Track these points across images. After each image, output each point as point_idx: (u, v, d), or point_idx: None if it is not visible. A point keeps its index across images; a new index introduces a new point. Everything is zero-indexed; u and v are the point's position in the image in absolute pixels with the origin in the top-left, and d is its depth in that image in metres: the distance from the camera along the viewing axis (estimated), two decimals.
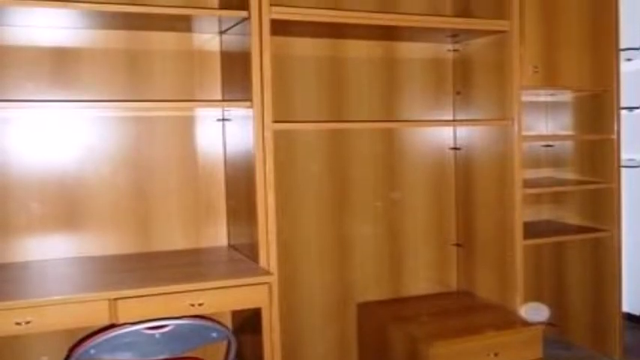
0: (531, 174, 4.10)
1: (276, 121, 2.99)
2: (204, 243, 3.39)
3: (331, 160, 3.66)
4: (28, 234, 3.10)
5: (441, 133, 3.92)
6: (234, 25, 3.08)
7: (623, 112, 3.96)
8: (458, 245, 3.97)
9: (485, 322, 3.40)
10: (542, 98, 4.16)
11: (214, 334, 2.85)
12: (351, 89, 3.67)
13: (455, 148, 3.92)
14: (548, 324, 4.07)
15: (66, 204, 3.16)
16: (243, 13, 2.90)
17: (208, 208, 3.40)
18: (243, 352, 3.11)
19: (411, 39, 3.73)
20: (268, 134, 2.93)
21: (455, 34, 3.60)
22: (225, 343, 3.01)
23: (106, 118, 3.21)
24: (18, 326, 2.42)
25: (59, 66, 3.11)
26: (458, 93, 3.87)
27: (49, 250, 3.14)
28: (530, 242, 3.60)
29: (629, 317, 4.67)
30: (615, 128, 3.81)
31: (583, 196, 4.02)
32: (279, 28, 3.07)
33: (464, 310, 3.66)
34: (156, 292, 2.60)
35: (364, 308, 3.75)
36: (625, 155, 4.02)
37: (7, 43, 3.02)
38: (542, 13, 3.57)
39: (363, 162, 3.73)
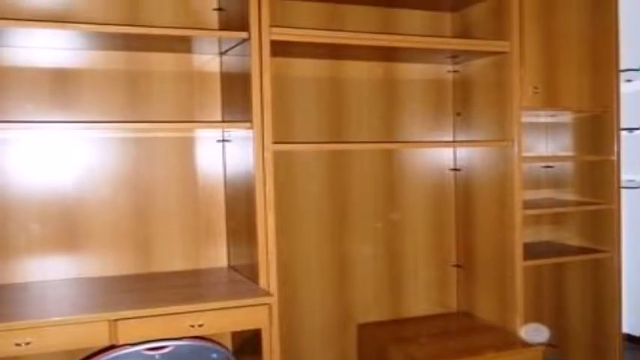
0: (531, 195, 4.10)
1: (276, 142, 3.00)
2: (204, 264, 3.38)
3: (331, 181, 3.66)
4: (27, 255, 3.09)
5: (441, 154, 3.92)
6: (234, 46, 3.10)
7: (623, 133, 3.97)
8: (458, 266, 3.96)
9: (486, 343, 3.38)
10: (542, 119, 4.16)
11: (214, 355, 2.85)
12: (351, 110, 3.68)
13: (455, 169, 3.92)
14: (549, 345, 4.04)
15: (66, 225, 3.15)
16: (243, 34, 2.91)
17: (208, 229, 3.39)
18: None
19: (411, 60, 3.75)
20: (268, 155, 2.94)
21: (455, 55, 3.62)
22: None
23: (105, 139, 3.21)
24: (18, 347, 2.41)
25: (59, 87, 3.11)
26: (458, 114, 3.87)
27: (49, 271, 3.13)
28: (530, 263, 3.59)
29: (629, 338, 4.65)
30: (615, 149, 3.81)
31: (583, 217, 4.01)
32: (279, 49, 3.08)
33: (464, 331, 3.65)
34: (156, 313, 2.59)
35: (364, 329, 3.73)
36: (625, 176, 4.02)
37: (7, 64, 3.03)
38: (543, 33, 3.58)
39: (363, 183, 3.73)
